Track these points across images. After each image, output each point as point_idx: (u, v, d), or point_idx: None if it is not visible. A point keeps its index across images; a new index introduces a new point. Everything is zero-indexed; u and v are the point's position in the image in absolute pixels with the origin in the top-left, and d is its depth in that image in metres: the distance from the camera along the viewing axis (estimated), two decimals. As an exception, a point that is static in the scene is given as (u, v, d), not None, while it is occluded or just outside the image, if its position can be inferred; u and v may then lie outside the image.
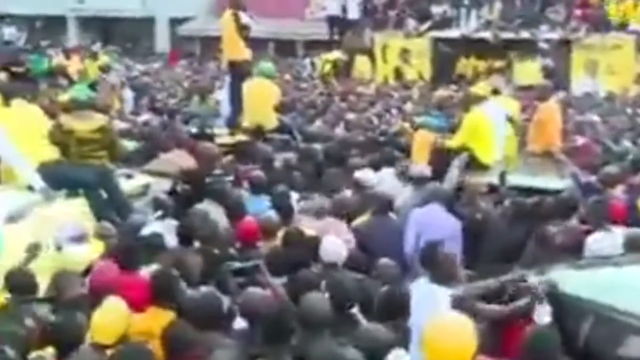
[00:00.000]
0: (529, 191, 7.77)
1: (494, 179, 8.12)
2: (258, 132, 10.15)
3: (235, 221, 6.68)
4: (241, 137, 10.27)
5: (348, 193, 7.90)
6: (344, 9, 22.56)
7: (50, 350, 4.43)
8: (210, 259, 5.79)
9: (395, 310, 5.01)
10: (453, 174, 8.05)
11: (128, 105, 14.83)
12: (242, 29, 10.62)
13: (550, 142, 9.39)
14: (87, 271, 5.68)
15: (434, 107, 10.43)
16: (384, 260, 5.96)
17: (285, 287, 5.46)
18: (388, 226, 7.02)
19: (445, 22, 20.98)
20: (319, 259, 5.85)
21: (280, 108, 11.35)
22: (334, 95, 16.44)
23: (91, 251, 5.97)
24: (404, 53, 19.51)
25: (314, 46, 25.90)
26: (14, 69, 13.01)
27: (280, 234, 6.46)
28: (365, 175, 8.17)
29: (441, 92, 11.45)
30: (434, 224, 6.82)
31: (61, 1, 30.38)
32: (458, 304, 4.83)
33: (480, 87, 10.33)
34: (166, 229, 6.45)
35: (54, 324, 4.65)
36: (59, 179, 6.86)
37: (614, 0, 19.23)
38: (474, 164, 8.56)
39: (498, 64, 19.25)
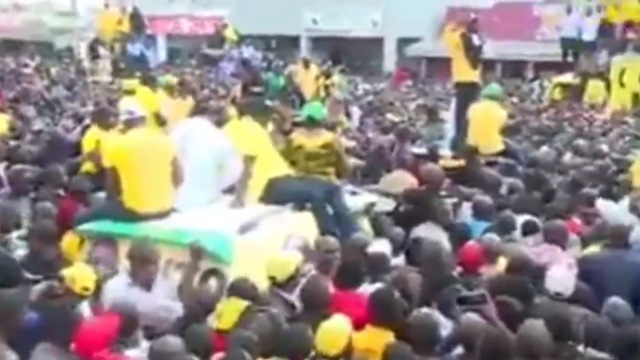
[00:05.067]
0: None
1: None
2: (472, 155, 9.93)
3: (457, 245, 6.61)
4: (463, 160, 10.13)
5: (577, 221, 7.65)
6: (579, 30, 21.69)
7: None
8: (432, 281, 5.75)
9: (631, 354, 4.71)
10: None
11: (354, 123, 15.16)
12: (472, 50, 10.52)
13: None
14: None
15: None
16: (614, 300, 5.63)
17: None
18: (622, 262, 6.55)
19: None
20: (543, 289, 5.65)
21: (507, 131, 11.10)
22: (562, 120, 15.84)
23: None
24: (645, 77, 18.31)
25: (544, 68, 25.16)
26: (254, 88, 13.82)
27: (502, 259, 6.29)
28: (604, 205, 7.91)
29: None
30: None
31: (296, 22, 31.78)
32: None
33: None
34: (388, 248, 6.52)
35: (285, 333, 4.82)
36: (288, 192, 7.11)
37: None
38: None
39: None
